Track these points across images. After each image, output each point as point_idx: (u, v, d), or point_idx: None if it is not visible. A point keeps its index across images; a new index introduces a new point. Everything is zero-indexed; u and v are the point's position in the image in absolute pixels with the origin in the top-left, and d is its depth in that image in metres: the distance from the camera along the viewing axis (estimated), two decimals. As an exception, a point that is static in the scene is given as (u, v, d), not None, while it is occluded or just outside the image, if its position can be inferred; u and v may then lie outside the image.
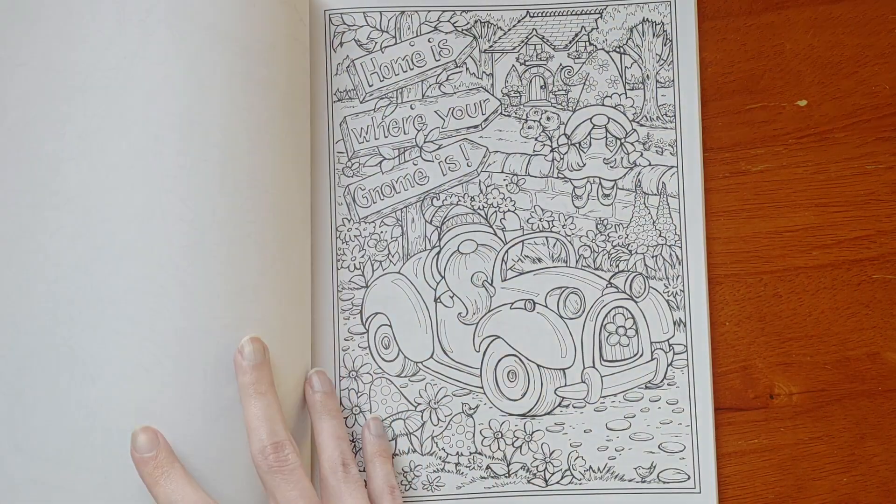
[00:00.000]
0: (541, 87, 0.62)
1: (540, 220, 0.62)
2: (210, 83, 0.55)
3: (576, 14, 0.63)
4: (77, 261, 0.54)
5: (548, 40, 0.62)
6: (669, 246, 0.62)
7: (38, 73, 0.55)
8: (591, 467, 0.61)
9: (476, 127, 0.63)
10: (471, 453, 0.61)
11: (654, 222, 0.62)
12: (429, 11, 0.63)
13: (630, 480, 0.61)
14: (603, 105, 0.62)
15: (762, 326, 0.62)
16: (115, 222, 0.54)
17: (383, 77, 0.63)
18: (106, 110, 0.54)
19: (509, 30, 0.63)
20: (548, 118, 0.62)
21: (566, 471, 0.61)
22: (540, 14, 0.63)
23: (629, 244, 0.62)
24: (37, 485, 0.54)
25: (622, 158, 0.62)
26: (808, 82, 0.62)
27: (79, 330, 0.54)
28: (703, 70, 0.62)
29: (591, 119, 0.62)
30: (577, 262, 0.62)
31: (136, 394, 0.54)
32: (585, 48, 0.63)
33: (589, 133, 0.62)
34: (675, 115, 0.62)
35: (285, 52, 0.57)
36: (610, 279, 0.62)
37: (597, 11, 0.62)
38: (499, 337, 0.62)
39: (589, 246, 0.62)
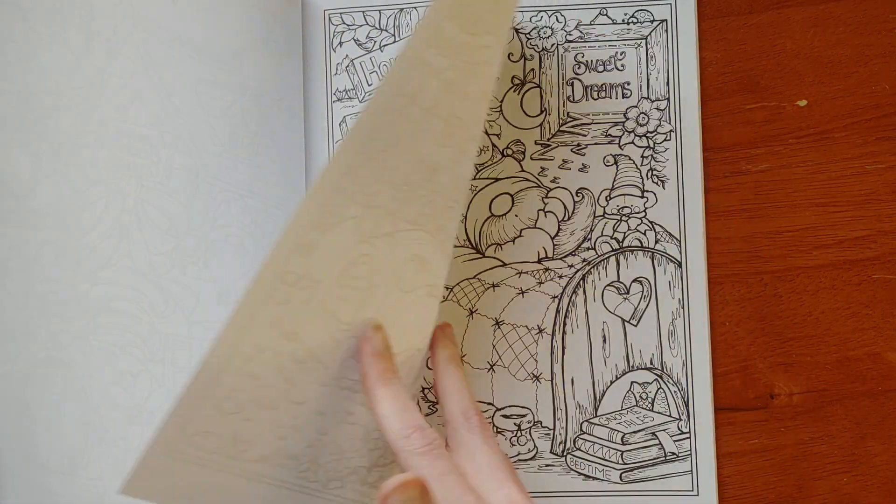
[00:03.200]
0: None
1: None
2: (178, 93, 0.57)
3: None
4: (61, 275, 0.57)
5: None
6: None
7: (11, 96, 0.57)
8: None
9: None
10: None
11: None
12: (427, 7, 0.63)
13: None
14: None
15: (762, 326, 0.62)
16: (94, 235, 0.57)
17: (383, 76, 0.63)
18: (79, 128, 0.57)
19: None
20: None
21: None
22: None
23: (629, 244, 0.62)
24: (47, 494, 0.56)
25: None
26: (809, 82, 0.62)
27: (69, 342, 0.56)
28: (703, 69, 0.62)
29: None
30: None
31: (126, 400, 0.56)
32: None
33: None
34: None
35: (262, 55, 0.58)
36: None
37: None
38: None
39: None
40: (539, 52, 0.63)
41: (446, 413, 0.52)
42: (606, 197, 0.62)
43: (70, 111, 0.57)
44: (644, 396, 0.61)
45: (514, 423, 0.61)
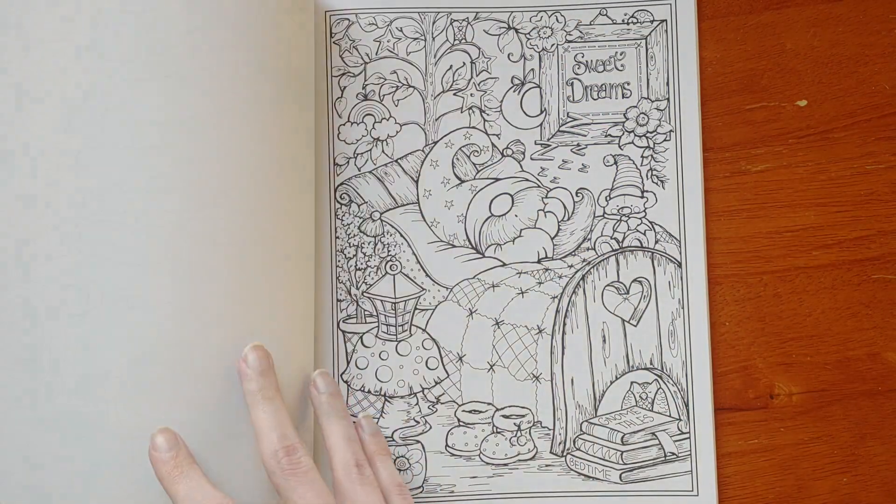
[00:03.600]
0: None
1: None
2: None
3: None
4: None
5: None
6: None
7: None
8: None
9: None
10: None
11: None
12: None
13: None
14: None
15: (762, 326, 0.62)
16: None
17: (382, 77, 0.63)
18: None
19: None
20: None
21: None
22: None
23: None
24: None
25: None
26: (809, 82, 0.62)
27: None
28: (702, 69, 0.62)
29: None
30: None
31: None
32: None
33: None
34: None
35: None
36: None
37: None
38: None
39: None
40: (539, 52, 0.63)
41: (261, 458, 0.52)
42: (606, 197, 0.62)
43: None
44: (644, 396, 0.61)
45: (514, 423, 0.61)
